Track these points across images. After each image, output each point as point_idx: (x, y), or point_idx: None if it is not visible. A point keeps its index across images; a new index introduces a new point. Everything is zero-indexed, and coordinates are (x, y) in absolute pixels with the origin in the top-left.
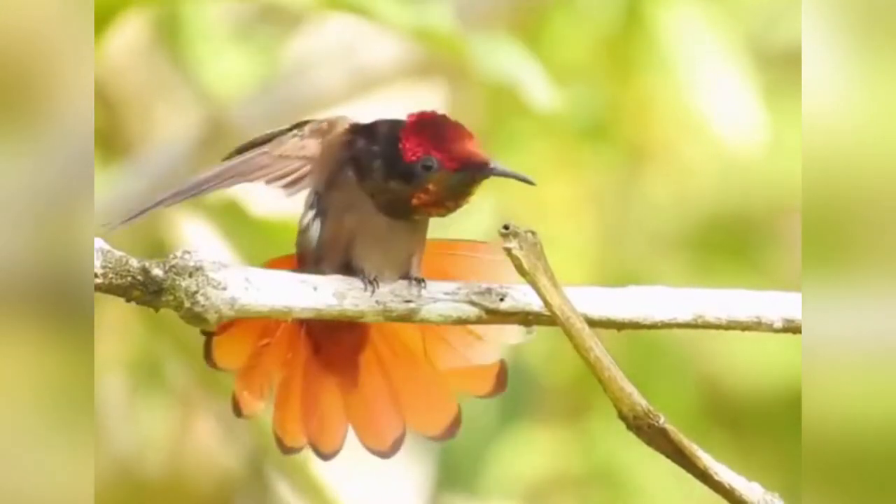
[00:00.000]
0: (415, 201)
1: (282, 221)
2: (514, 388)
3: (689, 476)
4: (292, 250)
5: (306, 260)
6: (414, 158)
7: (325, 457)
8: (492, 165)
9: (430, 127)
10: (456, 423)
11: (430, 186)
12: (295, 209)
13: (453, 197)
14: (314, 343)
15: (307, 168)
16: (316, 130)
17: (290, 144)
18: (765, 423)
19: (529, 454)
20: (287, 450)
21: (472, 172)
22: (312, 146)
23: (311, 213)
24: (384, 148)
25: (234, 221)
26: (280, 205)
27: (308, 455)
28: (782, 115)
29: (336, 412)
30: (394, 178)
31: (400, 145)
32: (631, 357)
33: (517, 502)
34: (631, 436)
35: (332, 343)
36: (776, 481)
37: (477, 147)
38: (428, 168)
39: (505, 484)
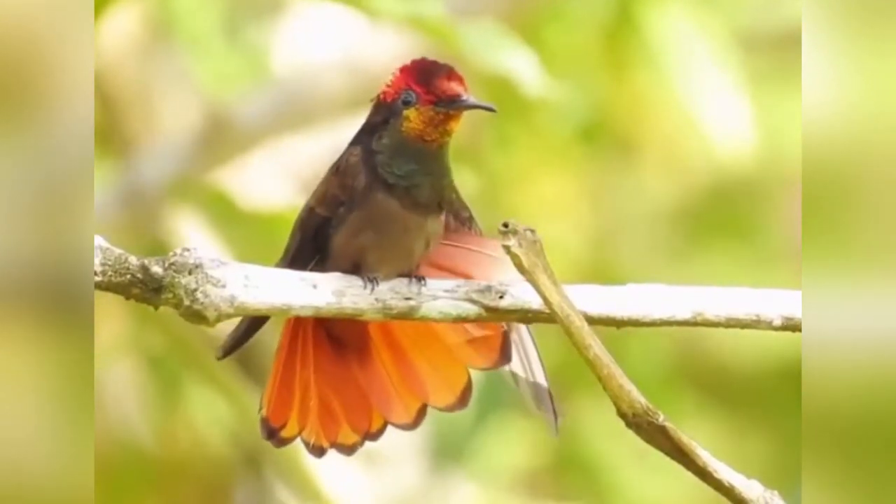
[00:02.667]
0: (405, 132)
1: (271, 213)
2: (499, 380)
3: (671, 465)
4: (277, 245)
5: (311, 254)
6: (396, 96)
7: (347, 450)
8: (463, 98)
9: (415, 69)
10: (467, 391)
11: (412, 118)
12: (280, 200)
13: (434, 129)
14: (325, 329)
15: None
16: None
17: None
18: (764, 409)
19: (514, 443)
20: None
21: (445, 105)
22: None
23: (332, 217)
24: (378, 123)
25: (224, 214)
26: (268, 197)
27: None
28: (776, 102)
29: (356, 397)
30: (386, 128)
31: (382, 96)
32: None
33: (503, 489)
34: (616, 426)
35: (341, 323)
36: (775, 472)
37: (455, 83)
38: (407, 103)
39: (491, 472)
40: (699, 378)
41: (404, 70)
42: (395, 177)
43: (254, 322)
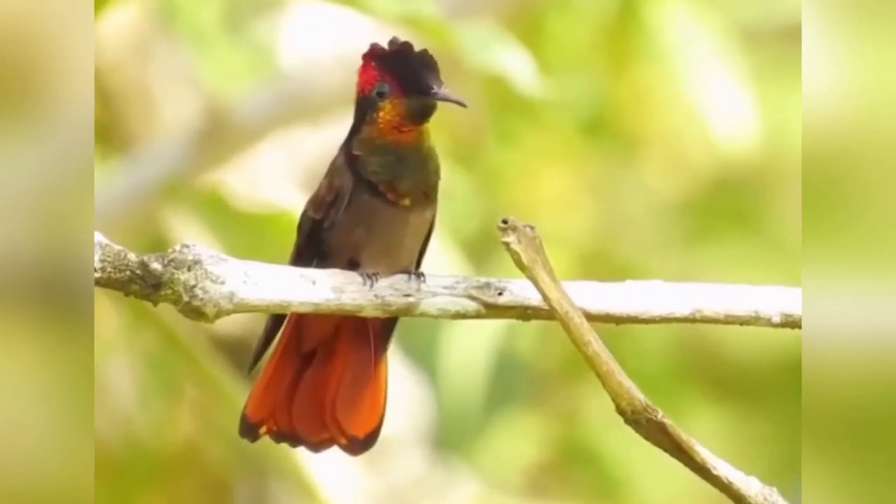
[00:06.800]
0: (381, 124)
1: (266, 214)
2: (506, 375)
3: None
4: (277, 242)
5: (310, 255)
6: (371, 87)
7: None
8: (434, 91)
9: (386, 56)
10: (375, 434)
11: (387, 110)
12: (283, 199)
13: (409, 120)
14: (298, 330)
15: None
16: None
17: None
18: (765, 406)
19: (520, 439)
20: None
21: (417, 97)
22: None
23: (323, 219)
24: (357, 120)
25: (219, 215)
26: (271, 194)
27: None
28: (779, 96)
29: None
30: (363, 123)
31: (360, 90)
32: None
33: (508, 486)
34: (619, 421)
35: (311, 327)
36: (776, 467)
37: (427, 72)
38: (381, 94)
39: (497, 468)
40: (699, 375)
41: (374, 57)
42: (377, 174)
43: (272, 330)
